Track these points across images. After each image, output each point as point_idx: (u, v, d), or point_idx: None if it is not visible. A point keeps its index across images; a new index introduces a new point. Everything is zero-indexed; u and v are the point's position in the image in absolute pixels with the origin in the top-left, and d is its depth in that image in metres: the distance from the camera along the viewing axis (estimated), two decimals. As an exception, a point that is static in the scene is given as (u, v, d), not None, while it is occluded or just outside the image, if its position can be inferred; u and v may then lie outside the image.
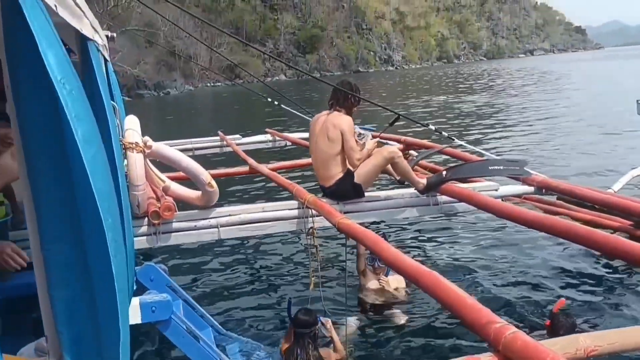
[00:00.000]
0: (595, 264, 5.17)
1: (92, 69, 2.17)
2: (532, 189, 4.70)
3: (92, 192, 1.06)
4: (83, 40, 2.20)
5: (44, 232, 1.26)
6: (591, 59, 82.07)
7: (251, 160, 6.47)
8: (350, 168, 4.45)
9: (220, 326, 4.18)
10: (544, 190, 4.67)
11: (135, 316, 2.96)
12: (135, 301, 3.02)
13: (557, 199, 5.58)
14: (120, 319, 1.12)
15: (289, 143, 8.81)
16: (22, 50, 1.07)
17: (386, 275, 4.68)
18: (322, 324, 3.69)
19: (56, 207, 1.20)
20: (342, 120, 4.34)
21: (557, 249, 5.57)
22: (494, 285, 4.91)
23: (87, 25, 2.22)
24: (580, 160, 10.36)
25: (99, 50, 2.70)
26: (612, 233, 4.18)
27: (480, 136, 14.12)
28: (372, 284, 4.65)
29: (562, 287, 4.79)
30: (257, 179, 8.70)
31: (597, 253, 4.69)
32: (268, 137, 8.95)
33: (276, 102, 9.37)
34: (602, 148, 11.46)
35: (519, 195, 5.22)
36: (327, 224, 3.99)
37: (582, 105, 19.93)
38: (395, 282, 4.64)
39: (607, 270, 5.05)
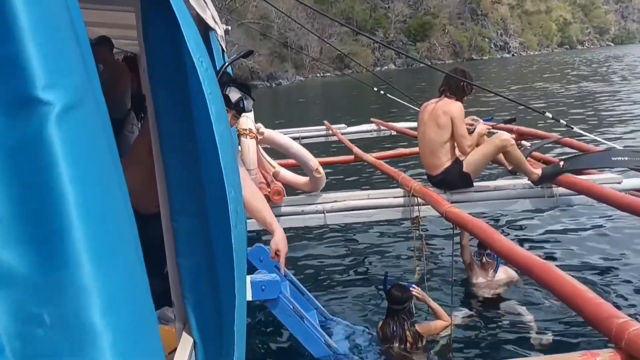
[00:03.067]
0: None
1: (213, 56, 2.30)
2: (660, 182, 4.33)
3: (220, 165, 1.13)
4: (206, 29, 2.33)
5: (173, 205, 1.37)
6: None
7: (356, 149, 6.51)
8: (459, 157, 4.34)
9: (325, 310, 4.27)
10: (674, 184, 4.28)
11: (246, 294, 3.12)
12: (247, 279, 3.17)
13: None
14: (236, 286, 1.19)
15: (394, 132, 8.75)
16: (162, 32, 1.17)
17: (495, 271, 4.49)
18: (414, 294, 3.64)
19: (185, 179, 1.30)
20: (452, 107, 4.25)
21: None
22: (616, 284, 4.57)
23: (209, 16, 2.35)
24: None
25: (218, 40, 2.86)
26: None
27: (602, 128, 13.12)
28: (481, 278, 4.46)
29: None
30: (362, 167, 8.74)
31: None
32: (373, 126, 8.96)
33: (382, 92, 9.33)
34: None
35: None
36: (433, 213, 3.93)
37: None
38: (504, 276, 4.43)
39: None
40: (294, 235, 6.24)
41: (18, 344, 0.64)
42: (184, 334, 1.33)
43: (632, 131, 12.76)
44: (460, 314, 4.17)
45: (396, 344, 3.58)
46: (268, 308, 3.41)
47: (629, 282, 4.58)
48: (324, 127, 8.99)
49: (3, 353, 0.64)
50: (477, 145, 4.44)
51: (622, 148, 5.46)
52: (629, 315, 1.93)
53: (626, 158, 4.25)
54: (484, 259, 4.35)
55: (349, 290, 4.93)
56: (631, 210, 3.40)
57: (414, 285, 3.76)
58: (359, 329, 4.08)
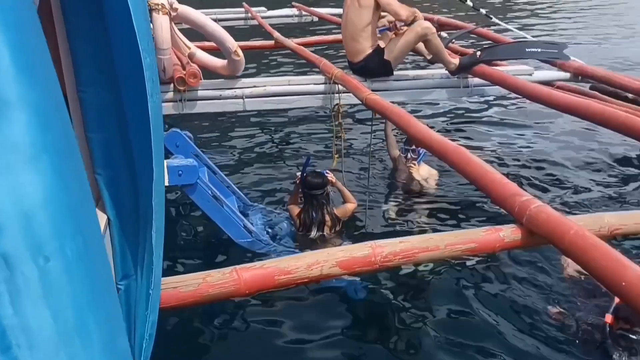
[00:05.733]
0: (630, 153, 5.10)
1: None
2: (567, 75, 4.54)
3: (133, 30, 1.02)
4: None
5: (79, 75, 1.25)
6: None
7: (277, 34, 6.27)
8: (380, 44, 4.30)
9: (244, 195, 4.30)
10: (580, 77, 4.51)
11: (164, 169, 3.04)
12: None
13: (590, 88, 5.38)
14: (154, 160, 1.13)
15: (316, 19, 8.48)
16: None
17: (418, 163, 4.59)
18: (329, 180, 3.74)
19: (92, 46, 1.18)
20: None
21: (591, 135, 5.45)
22: (522, 167, 4.92)
23: None
24: (620, 49, 9.85)
25: None
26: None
27: (520, 20, 13.38)
28: (403, 173, 4.56)
29: (585, 173, 4.78)
30: (283, 52, 8.50)
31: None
32: (294, 11, 8.60)
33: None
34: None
35: (552, 82, 5.04)
36: (354, 101, 3.93)
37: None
38: (426, 172, 4.58)
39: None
40: (213, 124, 6.11)
41: None
42: (98, 211, 1.27)
43: (547, 23, 13.16)
44: (392, 205, 4.34)
45: (314, 230, 3.69)
46: (185, 193, 3.37)
47: (534, 166, 4.94)
48: (242, 9, 8.53)
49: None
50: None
51: (535, 40, 5.62)
52: (532, 194, 2.07)
53: (539, 50, 4.39)
54: (409, 154, 4.47)
55: (268, 176, 4.97)
56: (541, 101, 3.55)
57: (327, 171, 3.82)
58: (276, 215, 4.16)
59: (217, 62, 4.33)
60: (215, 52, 4.45)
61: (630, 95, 4.49)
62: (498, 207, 2.40)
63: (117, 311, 0.96)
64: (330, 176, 3.76)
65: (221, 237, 3.64)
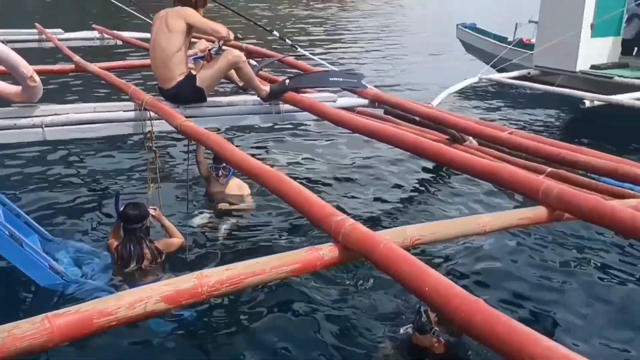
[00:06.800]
0: (418, 168, 5.75)
1: None
2: (366, 101, 4.98)
3: None
4: None
5: None
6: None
7: (77, 57, 5.87)
8: (192, 71, 4.28)
9: (47, 233, 3.93)
10: (376, 103, 4.98)
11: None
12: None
13: (385, 112, 5.98)
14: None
15: (120, 42, 8.10)
16: None
17: (227, 181, 4.76)
18: (151, 214, 3.65)
19: None
20: (187, 11, 4.11)
21: (390, 153, 6.04)
22: (332, 186, 5.25)
23: None
24: (409, 77, 11.18)
25: None
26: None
27: (323, 49, 14.39)
28: (217, 189, 4.75)
29: (385, 187, 5.28)
30: (86, 78, 7.96)
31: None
32: (95, 33, 8.12)
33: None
34: (427, 66, 12.52)
35: (353, 108, 5.49)
36: (167, 127, 3.85)
37: (418, 27, 21.32)
38: (236, 188, 4.75)
39: (432, 175, 5.66)
40: (8, 156, 5.47)
41: None
42: None
43: (345, 51, 14.38)
44: (198, 219, 4.34)
45: (133, 264, 3.52)
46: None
47: (343, 185, 5.31)
48: (35, 30, 7.81)
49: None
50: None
51: (338, 70, 6.09)
52: (346, 213, 2.23)
53: (340, 79, 4.76)
54: (220, 172, 4.57)
55: (75, 211, 4.61)
56: (345, 125, 3.86)
57: (154, 207, 3.72)
58: (87, 249, 3.88)
59: (10, 89, 3.89)
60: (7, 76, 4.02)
61: (417, 118, 5.11)
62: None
63: None
64: (156, 213, 3.67)
65: (27, 281, 3.27)
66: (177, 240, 3.76)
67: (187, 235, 3.97)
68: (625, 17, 8.01)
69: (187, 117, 4.06)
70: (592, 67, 7.67)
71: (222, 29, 4.15)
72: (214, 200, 4.71)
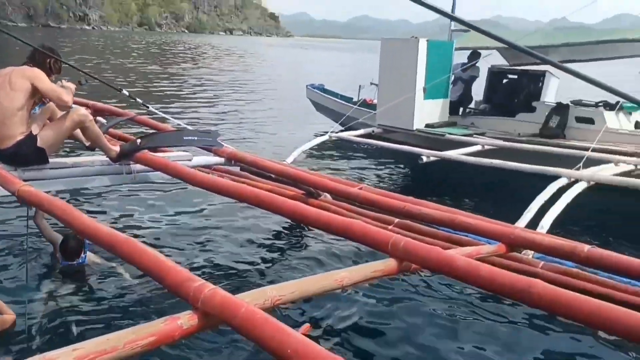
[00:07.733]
0: (277, 224, 5.80)
1: None
2: (222, 159, 5.00)
3: None
4: None
5: None
6: (284, 45, 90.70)
7: None
8: (33, 131, 3.99)
9: None
10: (232, 161, 5.02)
11: None
12: None
13: (241, 169, 6.04)
14: None
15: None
16: None
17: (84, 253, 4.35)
18: None
19: None
20: (35, 71, 3.92)
21: (247, 213, 6.03)
22: (190, 248, 5.08)
23: None
24: (263, 135, 11.43)
25: None
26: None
27: (176, 107, 14.24)
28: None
29: (246, 246, 5.25)
30: None
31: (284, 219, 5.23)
32: None
33: None
34: (281, 125, 12.93)
35: (209, 166, 5.48)
36: (3, 192, 3.52)
37: (270, 86, 22.11)
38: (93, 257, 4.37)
39: (290, 230, 5.74)
40: None
41: None
42: None
43: (200, 110, 14.35)
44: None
45: None
46: None
47: (200, 249, 5.16)
48: None
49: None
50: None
51: (192, 129, 6.04)
52: (204, 276, 2.19)
53: (195, 138, 4.74)
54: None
55: None
56: (200, 185, 3.84)
57: None
58: None
59: None
60: None
61: (273, 175, 5.23)
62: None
63: None
64: None
65: None
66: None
67: (26, 306, 3.57)
68: (451, 81, 9.05)
69: (26, 180, 3.77)
70: (427, 125, 8.48)
71: (69, 98, 3.96)
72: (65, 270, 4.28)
